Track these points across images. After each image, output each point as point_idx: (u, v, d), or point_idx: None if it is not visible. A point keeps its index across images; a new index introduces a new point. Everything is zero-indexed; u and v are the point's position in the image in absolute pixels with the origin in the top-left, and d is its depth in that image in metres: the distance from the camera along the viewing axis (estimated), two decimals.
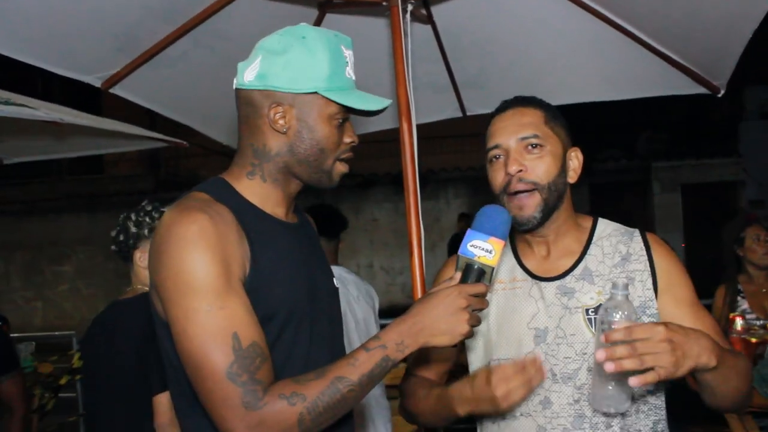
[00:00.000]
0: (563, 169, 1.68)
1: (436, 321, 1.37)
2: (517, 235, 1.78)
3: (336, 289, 1.67)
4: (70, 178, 14.95)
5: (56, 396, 5.18)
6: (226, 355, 1.27)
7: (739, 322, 3.32)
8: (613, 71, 3.43)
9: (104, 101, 12.47)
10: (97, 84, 2.92)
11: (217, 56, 3.03)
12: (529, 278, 1.72)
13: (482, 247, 1.44)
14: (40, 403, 5.05)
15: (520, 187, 1.62)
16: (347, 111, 1.49)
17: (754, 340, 3.24)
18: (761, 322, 3.33)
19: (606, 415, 1.58)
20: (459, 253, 1.46)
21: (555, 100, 3.78)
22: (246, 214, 1.42)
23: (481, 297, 1.42)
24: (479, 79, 3.62)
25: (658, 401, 1.68)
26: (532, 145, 1.64)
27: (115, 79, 2.92)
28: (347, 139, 1.51)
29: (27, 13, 2.51)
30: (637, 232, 1.72)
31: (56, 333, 9.00)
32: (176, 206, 1.38)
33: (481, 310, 1.43)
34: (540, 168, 1.63)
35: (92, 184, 14.73)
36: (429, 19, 3.18)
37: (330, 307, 1.62)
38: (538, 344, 1.66)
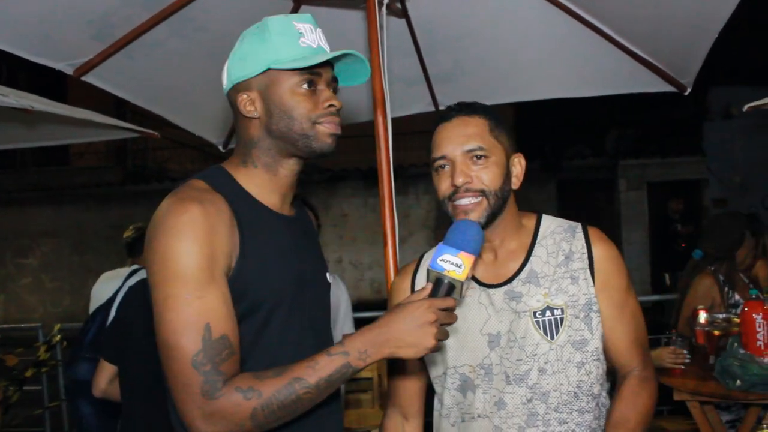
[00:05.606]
0: (507, 176, 1.71)
1: (404, 333, 1.39)
2: None
3: (328, 284, 1.72)
4: (36, 169, 14.66)
5: (21, 389, 5.12)
6: (194, 343, 1.31)
7: (702, 315, 3.40)
8: (584, 68, 3.49)
9: (70, 91, 12.27)
10: (69, 71, 2.86)
11: (192, 46, 3.02)
12: (477, 286, 1.75)
13: (452, 262, 1.47)
14: (4, 396, 4.99)
15: (468, 196, 1.66)
16: (312, 77, 1.50)
17: (716, 332, 3.32)
18: (723, 315, 3.41)
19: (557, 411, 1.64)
20: (429, 266, 1.49)
21: (525, 96, 3.91)
22: (240, 204, 1.47)
23: (450, 311, 1.45)
24: (452, 74, 3.66)
25: (606, 400, 1.74)
26: (477, 156, 1.67)
27: (88, 67, 2.87)
28: (325, 103, 1.51)
29: None
30: (579, 228, 1.75)
31: (21, 325, 8.86)
32: (174, 194, 1.43)
33: (449, 324, 1.45)
34: (486, 177, 1.66)
35: (58, 175, 14.45)
36: (404, 13, 3.21)
37: (320, 299, 1.66)
38: (492, 349, 1.70)
